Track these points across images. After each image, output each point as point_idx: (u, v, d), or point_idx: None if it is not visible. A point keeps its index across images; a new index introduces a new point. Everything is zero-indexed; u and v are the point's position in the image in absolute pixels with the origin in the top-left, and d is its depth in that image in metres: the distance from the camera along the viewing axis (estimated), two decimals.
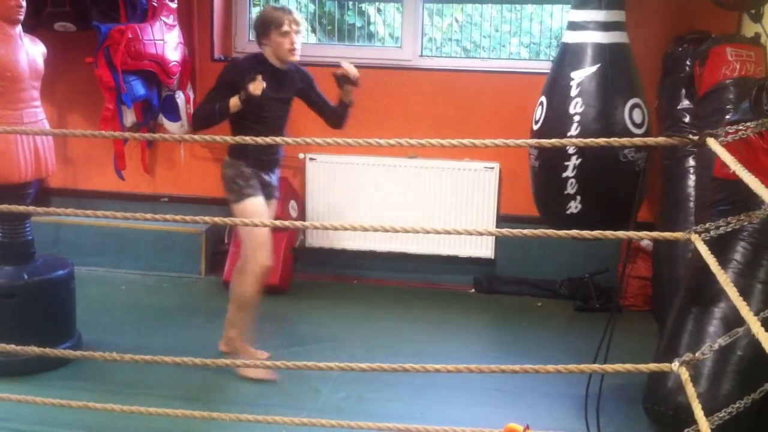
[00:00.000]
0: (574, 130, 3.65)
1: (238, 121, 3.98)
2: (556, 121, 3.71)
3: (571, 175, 3.66)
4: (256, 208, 3.99)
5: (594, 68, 3.68)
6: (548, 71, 4.02)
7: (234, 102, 3.86)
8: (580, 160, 3.62)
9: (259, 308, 4.18)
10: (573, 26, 3.79)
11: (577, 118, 3.67)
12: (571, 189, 3.67)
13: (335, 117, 4.27)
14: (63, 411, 3.41)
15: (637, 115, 3.66)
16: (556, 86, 3.78)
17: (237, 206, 4.01)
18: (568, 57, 3.76)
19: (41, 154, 4.04)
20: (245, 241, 4.08)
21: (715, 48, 4.30)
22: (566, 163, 3.65)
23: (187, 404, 3.49)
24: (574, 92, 3.67)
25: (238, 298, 4.12)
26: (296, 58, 4.05)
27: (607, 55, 3.71)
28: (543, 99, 3.83)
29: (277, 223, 2.93)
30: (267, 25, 3.97)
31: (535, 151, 3.83)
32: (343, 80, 4.13)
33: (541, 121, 3.80)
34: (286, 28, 3.95)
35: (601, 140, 2.62)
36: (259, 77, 3.86)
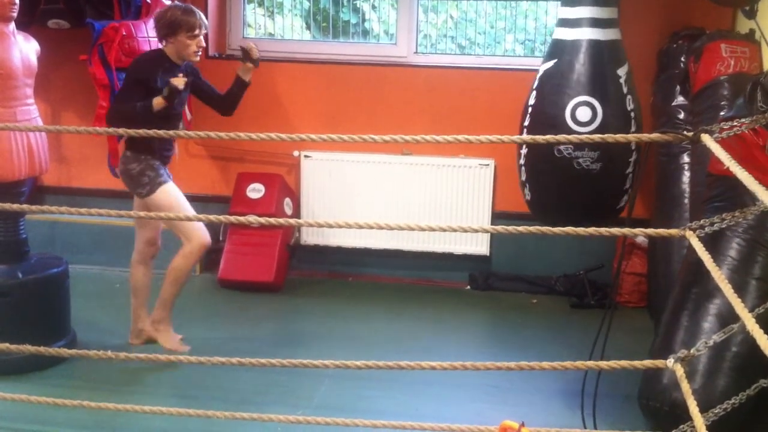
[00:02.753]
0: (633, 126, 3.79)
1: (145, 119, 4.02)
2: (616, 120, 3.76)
3: (631, 171, 3.75)
4: (175, 192, 4.17)
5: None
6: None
7: (158, 100, 3.95)
8: (636, 155, 3.75)
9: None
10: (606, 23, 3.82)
11: (633, 114, 3.84)
12: (628, 184, 3.77)
13: (226, 101, 4.44)
14: (58, 409, 3.41)
15: None
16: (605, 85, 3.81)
17: (154, 196, 4.13)
18: (607, 54, 3.80)
19: (35, 152, 4.03)
20: (179, 225, 4.18)
21: (709, 44, 4.30)
22: (629, 160, 3.71)
23: (182, 402, 3.48)
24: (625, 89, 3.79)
25: (175, 274, 4.24)
26: (198, 59, 4.22)
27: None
28: (589, 99, 3.79)
29: (272, 220, 2.91)
30: (177, 27, 4.08)
31: (594, 154, 3.74)
32: (246, 54, 4.31)
33: (598, 122, 3.77)
34: (197, 32, 4.12)
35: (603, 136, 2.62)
36: (180, 75, 4.02)
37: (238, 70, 4.37)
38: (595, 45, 3.78)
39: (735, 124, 2.55)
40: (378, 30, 5.98)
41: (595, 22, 3.77)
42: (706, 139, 2.38)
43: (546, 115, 3.84)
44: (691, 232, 2.44)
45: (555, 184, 3.84)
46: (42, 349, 3.13)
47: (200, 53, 4.20)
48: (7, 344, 3.04)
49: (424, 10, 5.83)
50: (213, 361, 2.98)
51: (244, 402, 3.72)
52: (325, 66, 5.70)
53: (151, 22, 5.16)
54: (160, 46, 4.22)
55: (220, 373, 4.00)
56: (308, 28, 6.09)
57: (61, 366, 4.03)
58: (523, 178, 4.00)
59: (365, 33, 6.00)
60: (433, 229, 2.70)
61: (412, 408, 3.81)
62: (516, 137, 2.85)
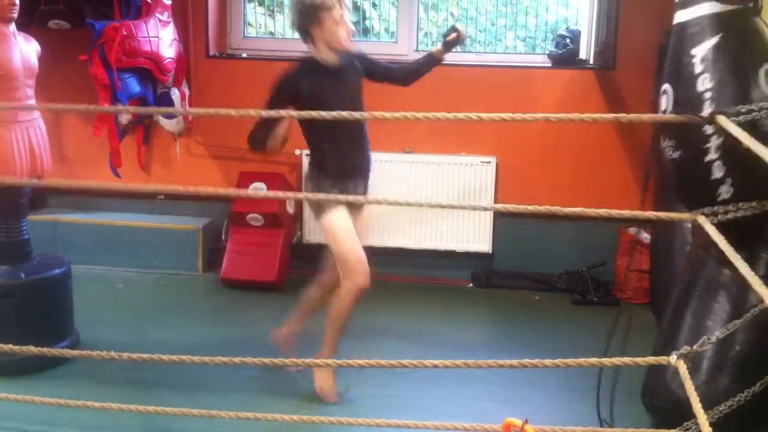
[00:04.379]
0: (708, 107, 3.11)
1: (312, 135, 3.74)
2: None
3: (716, 157, 3.15)
4: (344, 221, 3.69)
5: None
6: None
7: (271, 146, 3.69)
8: (721, 139, 3.05)
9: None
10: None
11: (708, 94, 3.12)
12: (718, 173, 3.17)
13: (410, 75, 4.08)
14: (61, 410, 3.41)
15: None
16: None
17: (321, 221, 3.74)
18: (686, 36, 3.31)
19: (36, 153, 4.03)
20: (338, 260, 3.73)
21: None
22: (707, 146, 3.11)
23: (185, 401, 3.48)
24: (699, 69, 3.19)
25: (333, 317, 3.79)
26: (350, 46, 3.69)
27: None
28: (666, 87, 3.43)
29: (271, 193, 2.92)
30: (317, 13, 3.56)
31: (673, 143, 3.29)
32: (452, 45, 3.96)
33: (668, 110, 3.37)
34: (340, 12, 3.58)
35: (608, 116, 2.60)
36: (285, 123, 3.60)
37: (435, 49, 4.00)
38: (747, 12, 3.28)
39: (753, 107, 2.49)
40: (378, 28, 5.98)
41: None
42: (722, 121, 2.34)
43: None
44: (704, 218, 2.42)
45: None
46: (45, 350, 3.13)
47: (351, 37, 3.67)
48: (11, 345, 3.04)
49: (425, 8, 5.83)
50: (215, 360, 2.98)
51: (247, 401, 3.71)
52: None
53: (151, 22, 5.18)
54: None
55: (222, 372, 4.00)
56: None
57: (64, 366, 4.03)
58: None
59: (366, 31, 6.00)
60: (432, 206, 2.68)
61: (414, 406, 3.80)
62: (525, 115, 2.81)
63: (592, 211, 2.39)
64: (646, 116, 2.57)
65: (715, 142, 3.10)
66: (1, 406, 3.46)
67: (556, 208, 2.42)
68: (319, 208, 3.73)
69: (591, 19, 5.17)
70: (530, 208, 2.48)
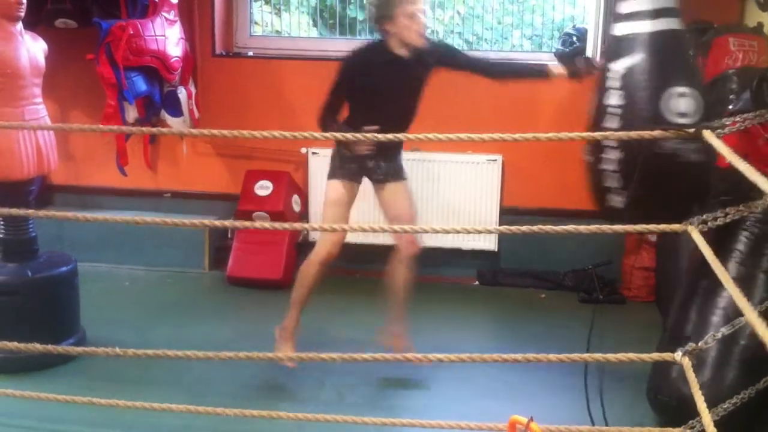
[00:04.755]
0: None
1: (357, 111, 3.93)
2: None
3: None
4: (335, 191, 4.01)
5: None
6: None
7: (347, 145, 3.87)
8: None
9: (309, 300, 4.25)
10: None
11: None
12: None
13: (506, 73, 4.18)
14: (68, 407, 3.42)
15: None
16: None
17: (326, 183, 4.07)
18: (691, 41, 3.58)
19: (43, 151, 4.04)
20: (322, 214, 4.13)
21: (717, 38, 4.28)
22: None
23: (191, 398, 3.49)
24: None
25: (299, 275, 4.17)
26: (423, 41, 3.83)
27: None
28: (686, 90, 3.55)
29: (277, 225, 2.93)
30: (391, 10, 3.74)
31: (695, 146, 3.33)
32: (577, 74, 3.94)
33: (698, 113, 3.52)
34: (413, 8, 3.74)
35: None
36: (370, 129, 3.67)
37: (556, 69, 4.02)
38: (673, 33, 3.54)
39: (737, 119, 2.54)
40: None
41: (673, 12, 3.55)
42: (708, 136, 2.37)
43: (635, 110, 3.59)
44: (693, 227, 2.44)
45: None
46: (51, 347, 3.14)
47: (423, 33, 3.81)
48: (16, 343, 3.06)
49: (431, 6, 5.82)
50: (221, 355, 2.99)
51: (253, 398, 3.73)
52: (333, 63, 5.63)
53: (158, 20, 5.19)
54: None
55: (228, 369, 4.01)
56: (315, 25, 6.10)
57: (70, 364, 4.04)
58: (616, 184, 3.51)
59: (372, 30, 5.99)
60: (436, 231, 2.70)
61: (420, 404, 3.81)
62: (526, 135, 2.82)
63: (583, 228, 2.49)
64: (634, 133, 2.61)
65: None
66: (8, 404, 3.48)
67: (549, 227, 2.58)
68: (330, 172, 4.04)
69: (598, 16, 5.15)
70: (524, 228, 2.66)
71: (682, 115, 3.34)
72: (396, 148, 4.11)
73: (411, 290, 4.23)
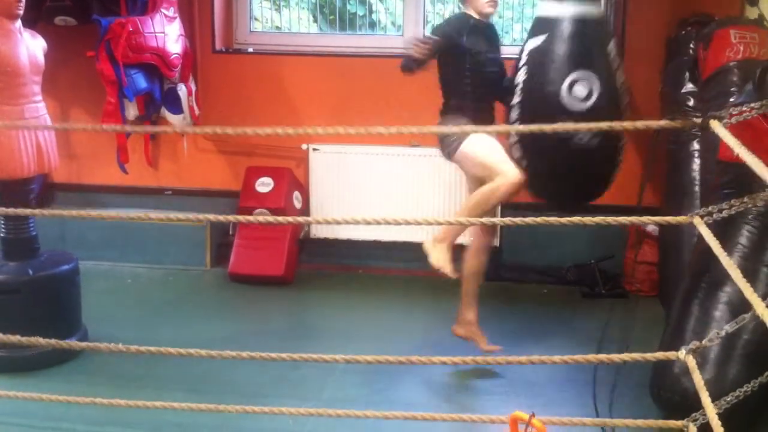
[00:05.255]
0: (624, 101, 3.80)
1: (456, 78, 4.00)
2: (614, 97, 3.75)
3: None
4: (484, 140, 3.91)
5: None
6: None
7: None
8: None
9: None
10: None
11: (622, 89, 3.75)
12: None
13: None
14: (70, 405, 3.41)
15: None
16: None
17: (463, 148, 3.92)
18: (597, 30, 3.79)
19: (43, 149, 4.04)
20: (491, 170, 3.87)
21: (718, 31, 4.27)
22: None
23: (193, 396, 3.49)
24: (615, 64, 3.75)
25: (479, 204, 3.90)
26: (493, 11, 4.06)
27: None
28: (583, 75, 3.73)
29: (281, 219, 2.92)
30: None
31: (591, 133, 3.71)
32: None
33: (594, 97, 3.70)
34: None
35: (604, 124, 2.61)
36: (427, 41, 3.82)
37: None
38: (583, 20, 3.72)
39: (744, 109, 2.53)
40: (385, 21, 5.97)
41: None
42: (715, 126, 2.36)
43: (537, 91, 3.81)
44: (699, 219, 2.43)
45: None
46: (53, 341, 3.14)
47: (496, 5, 4.08)
48: (18, 336, 3.06)
49: (431, 1, 5.82)
50: (224, 354, 2.99)
51: (255, 395, 3.72)
52: (333, 58, 5.70)
53: (157, 17, 5.17)
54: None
55: (230, 366, 4.00)
56: (315, 20, 6.09)
57: (72, 362, 4.04)
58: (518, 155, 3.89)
59: (372, 25, 5.99)
60: (440, 224, 2.69)
61: (422, 399, 3.81)
62: (528, 126, 2.83)
63: (588, 219, 2.49)
64: (640, 123, 2.62)
65: None
66: (9, 403, 3.48)
67: (553, 219, 2.50)
68: (458, 141, 3.92)
69: None
70: (528, 220, 2.74)
71: (577, 98, 3.51)
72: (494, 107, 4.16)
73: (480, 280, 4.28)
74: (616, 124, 2.64)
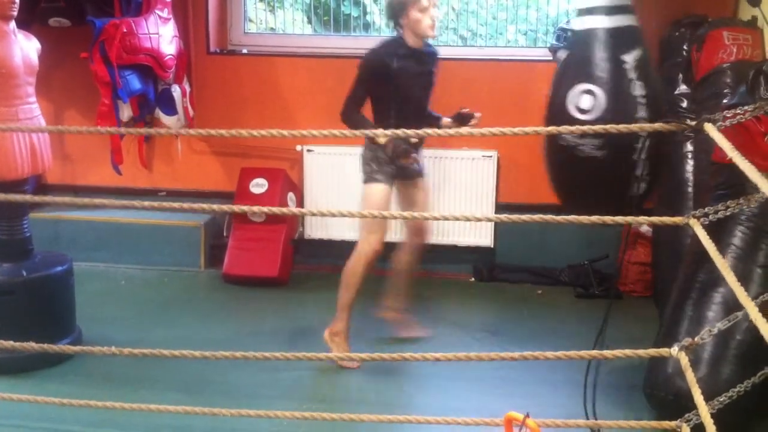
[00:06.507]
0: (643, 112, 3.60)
1: (381, 105, 4.06)
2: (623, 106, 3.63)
3: (644, 157, 3.56)
4: (379, 195, 4.06)
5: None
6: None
7: (382, 141, 3.92)
8: (649, 141, 3.49)
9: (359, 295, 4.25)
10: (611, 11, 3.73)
11: (642, 99, 3.62)
12: (639, 171, 3.61)
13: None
14: (64, 407, 3.41)
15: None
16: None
17: (365, 187, 4.11)
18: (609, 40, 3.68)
19: (37, 150, 4.03)
20: (362, 224, 4.16)
21: (712, 32, 4.29)
22: (636, 146, 3.52)
23: (188, 398, 3.49)
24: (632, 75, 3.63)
25: (344, 277, 4.19)
26: (435, 34, 4.08)
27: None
28: (591, 87, 3.66)
29: (276, 210, 2.92)
30: (404, 4, 3.96)
31: (598, 141, 3.60)
32: (462, 120, 4.15)
33: (601, 108, 3.62)
34: (425, 3, 3.96)
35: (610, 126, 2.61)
36: (413, 156, 4.09)
37: (445, 120, 4.28)
38: (593, 32, 3.70)
39: (738, 112, 2.53)
40: (379, 23, 5.96)
41: (601, 10, 3.69)
42: (709, 129, 2.37)
43: (551, 104, 3.80)
44: (695, 220, 2.44)
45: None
46: (47, 346, 3.13)
47: (436, 28, 4.07)
48: (12, 342, 3.05)
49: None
50: (218, 355, 2.99)
51: (250, 396, 3.72)
52: (327, 60, 5.69)
53: (151, 18, 5.17)
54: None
55: (225, 367, 4.00)
56: (310, 21, 6.09)
57: (66, 363, 4.04)
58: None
59: (366, 26, 5.99)
60: (435, 218, 2.69)
61: (417, 400, 3.81)
62: (518, 129, 2.82)
63: (584, 218, 2.49)
64: (634, 126, 2.63)
65: (643, 143, 3.43)
66: (4, 405, 3.46)
67: (549, 216, 2.52)
68: (368, 176, 4.09)
69: None
70: (524, 217, 2.68)
71: (581, 110, 3.50)
72: (422, 142, 4.28)
73: (413, 282, 4.50)
74: (610, 127, 2.63)
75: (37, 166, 4.07)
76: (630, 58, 3.68)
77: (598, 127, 2.78)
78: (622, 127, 2.67)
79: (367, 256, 4.08)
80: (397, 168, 4.10)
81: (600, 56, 3.64)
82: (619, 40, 3.67)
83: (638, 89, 3.67)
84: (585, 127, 2.71)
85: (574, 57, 3.77)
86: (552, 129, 2.83)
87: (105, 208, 2.73)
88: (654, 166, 3.65)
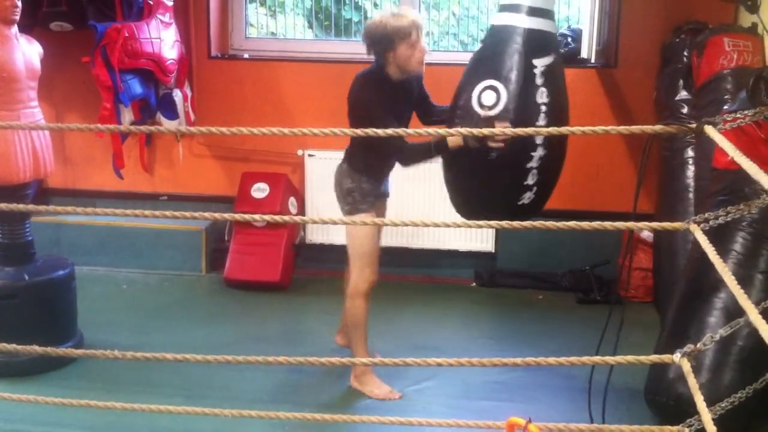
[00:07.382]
0: (542, 120, 3.61)
1: (366, 145, 3.80)
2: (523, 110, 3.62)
3: (535, 165, 3.63)
4: (366, 227, 3.86)
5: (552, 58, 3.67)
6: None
7: (455, 141, 3.63)
8: (545, 151, 3.61)
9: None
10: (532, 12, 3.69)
11: (544, 108, 3.63)
12: (531, 180, 3.66)
13: (434, 118, 4.07)
14: (65, 411, 3.42)
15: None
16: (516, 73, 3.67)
17: (351, 219, 3.86)
18: (523, 42, 3.66)
19: (39, 155, 4.04)
20: (353, 258, 3.97)
21: (712, 38, 4.30)
22: (532, 154, 3.60)
23: (189, 401, 3.49)
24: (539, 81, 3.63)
25: (352, 320, 4.00)
26: (423, 68, 3.86)
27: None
28: (496, 85, 3.64)
29: (277, 218, 2.92)
30: (391, 39, 3.66)
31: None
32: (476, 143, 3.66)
33: (501, 109, 3.62)
34: (414, 36, 3.67)
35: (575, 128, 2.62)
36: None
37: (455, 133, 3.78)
38: (511, 29, 3.66)
39: (739, 115, 2.54)
40: None
41: (524, 9, 3.67)
42: (710, 131, 2.37)
43: (456, 96, 3.80)
44: (696, 226, 2.44)
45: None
46: (49, 349, 3.13)
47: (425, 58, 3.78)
48: (15, 345, 3.04)
49: (426, 7, 5.84)
50: (219, 358, 2.98)
51: (251, 400, 3.73)
52: (328, 64, 5.70)
53: (153, 23, 5.18)
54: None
55: (226, 372, 4.01)
56: (310, 26, 6.10)
57: (68, 368, 4.04)
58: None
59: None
60: (437, 225, 2.69)
61: (418, 405, 3.81)
62: (518, 129, 2.82)
63: (585, 224, 2.48)
64: (635, 128, 2.63)
65: (540, 153, 3.44)
66: (6, 407, 3.47)
67: (550, 223, 2.53)
68: (353, 207, 3.90)
69: (592, 17, 5.17)
70: (525, 223, 2.64)
71: (483, 106, 3.51)
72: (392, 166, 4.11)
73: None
74: (611, 129, 2.62)
75: (39, 170, 4.08)
76: (540, 64, 3.65)
77: (598, 128, 2.78)
78: (623, 129, 2.65)
79: (366, 292, 3.93)
80: (376, 194, 3.97)
81: (512, 56, 3.64)
82: (535, 43, 3.63)
83: (542, 97, 3.63)
84: (586, 128, 2.70)
85: (486, 51, 3.74)
86: (552, 129, 2.82)
87: (96, 212, 2.71)
88: (546, 179, 3.71)
